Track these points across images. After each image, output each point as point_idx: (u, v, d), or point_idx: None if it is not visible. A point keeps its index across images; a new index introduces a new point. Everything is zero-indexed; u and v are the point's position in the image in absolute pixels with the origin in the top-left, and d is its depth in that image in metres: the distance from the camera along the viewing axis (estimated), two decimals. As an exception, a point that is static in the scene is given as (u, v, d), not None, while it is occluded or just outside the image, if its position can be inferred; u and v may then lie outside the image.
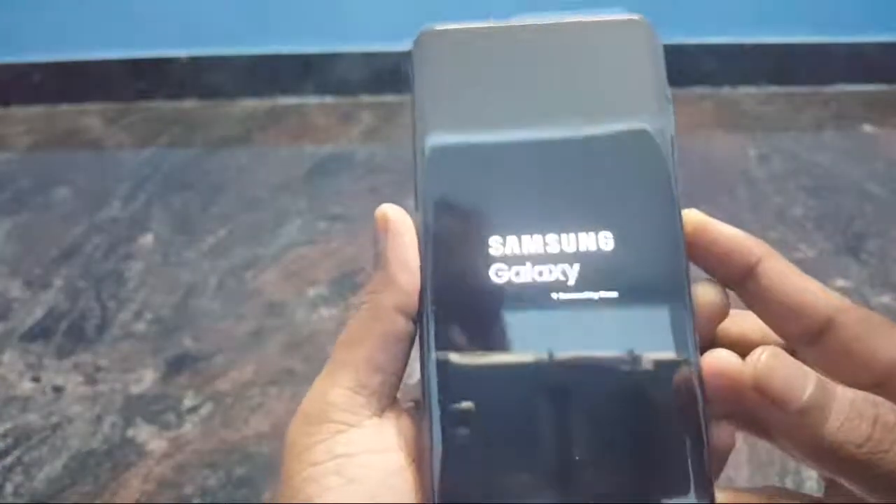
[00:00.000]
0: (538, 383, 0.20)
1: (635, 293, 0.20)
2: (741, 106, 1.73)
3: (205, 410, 0.89)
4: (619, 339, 0.20)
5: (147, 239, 1.23)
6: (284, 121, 1.65)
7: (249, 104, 1.71)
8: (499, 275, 0.20)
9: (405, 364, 0.21)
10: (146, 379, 0.94)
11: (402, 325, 0.20)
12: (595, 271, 0.20)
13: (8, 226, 1.27)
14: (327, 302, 1.07)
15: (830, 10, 1.72)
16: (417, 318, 0.21)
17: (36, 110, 1.70)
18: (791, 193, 1.33)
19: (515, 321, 0.20)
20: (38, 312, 1.06)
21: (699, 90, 1.79)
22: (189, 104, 1.72)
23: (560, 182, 0.21)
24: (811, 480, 0.76)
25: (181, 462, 0.82)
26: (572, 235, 0.21)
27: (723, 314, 0.21)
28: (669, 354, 0.20)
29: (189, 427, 0.86)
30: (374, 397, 0.20)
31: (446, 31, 0.23)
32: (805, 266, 1.05)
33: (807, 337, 0.21)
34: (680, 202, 0.21)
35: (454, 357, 0.20)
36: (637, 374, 0.20)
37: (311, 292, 1.09)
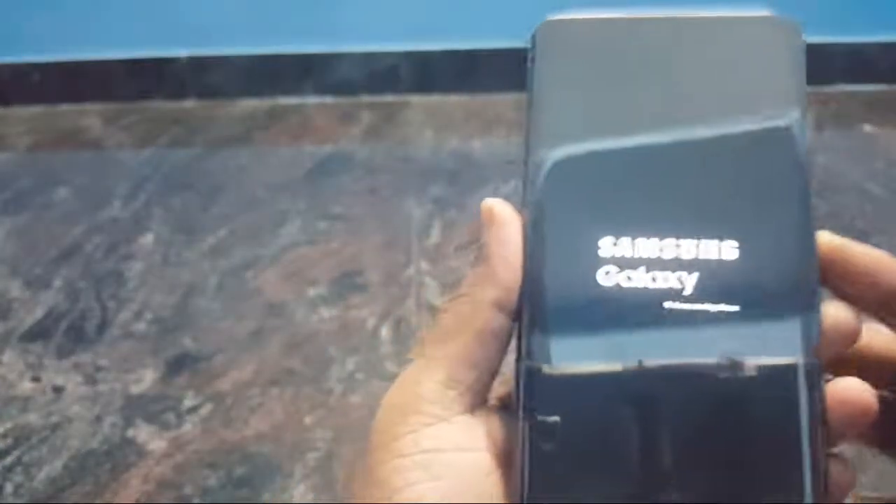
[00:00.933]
0: (640, 394, 0.19)
1: (759, 309, 0.19)
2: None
3: (205, 410, 0.89)
4: (734, 354, 0.18)
5: (147, 239, 1.23)
6: (284, 121, 1.65)
7: (249, 104, 1.71)
8: (607, 277, 0.19)
9: (500, 362, 0.20)
10: (146, 379, 0.94)
11: (501, 321, 0.20)
12: (716, 282, 0.19)
13: (8, 226, 1.27)
14: (327, 302, 1.07)
15: (830, 11, 1.72)
16: (515, 316, 0.20)
17: (36, 110, 1.70)
18: (791, 193, 1.33)
19: (621, 328, 0.19)
20: (39, 312, 1.06)
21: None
22: (189, 104, 1.72)
23: (683, 184, 0.20)
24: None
25: (181, 462, 0.82)
26: (693, 241, 0.19)
27: (854, 338, 0.20)
28: (789, 375, 0.18)
29: (189, 427, 0.86)
30: (466, 394, 0.20)
31: (571, 21, 0.21)
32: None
33: (883, 308, 0.20)
34: (814, 214, 0.20)
35: (549, 362, 0.19)
36: (750, 391, 0.18)
37: (311, 292, 1.09)
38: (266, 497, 0.78)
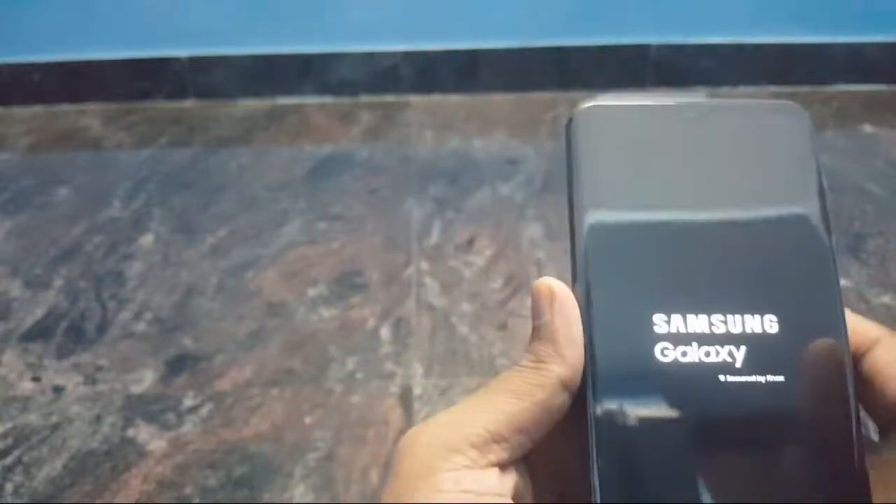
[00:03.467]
0: (705, 471, 0.20)
1: (800, 378, 0.20)
2: (741, 106, 1.74)
3: (205, 410, 0.89)
4: (784, 423, 0.20)
5: (147, 239, 1.23)
6: (284, 121, 1.65)
7: (249, 104, 1.71)
8: (665, 354, 0.20)
9: (547, 433, 0.21)
10: (146, 379, 0.94)
11: (563, 399, 0.21)
12: (761, 354, 0.20)
13: (8, 226, 1.27)
14: (327, 302, 1.07)
15: (830, 11, 1.72)
16: (579, 394, 0.21)
17: (36, 110, 1.70)
18: (791, 193, 1.34)
19: (683, 402, 0.20)
20: (39, 312, 1.06)
21: (698, 90, 1.79)
22: (189, 104, 1.72)
23: (722, 263, 0.21)
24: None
25: (181, 462, 0.82)
26: (738, 317, 0.21)
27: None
28: (832, 441, 0.20)
29: (189, 427, 0.86)
30: (505, 451, 0.20)
31: (608, 106, 0.23)
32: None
33: None
34: (840, 288, 0.21)
35: (618, 438, 0.20)
36: (798, 452, 0.20)
37: (311, 292, 1.09)
38: (266, 497, 0.78)
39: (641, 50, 1.74)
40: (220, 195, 1.35)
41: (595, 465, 0.20)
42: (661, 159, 0.22)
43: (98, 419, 0.88)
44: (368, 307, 1.06)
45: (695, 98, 0.23)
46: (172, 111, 1.69)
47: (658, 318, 0.21)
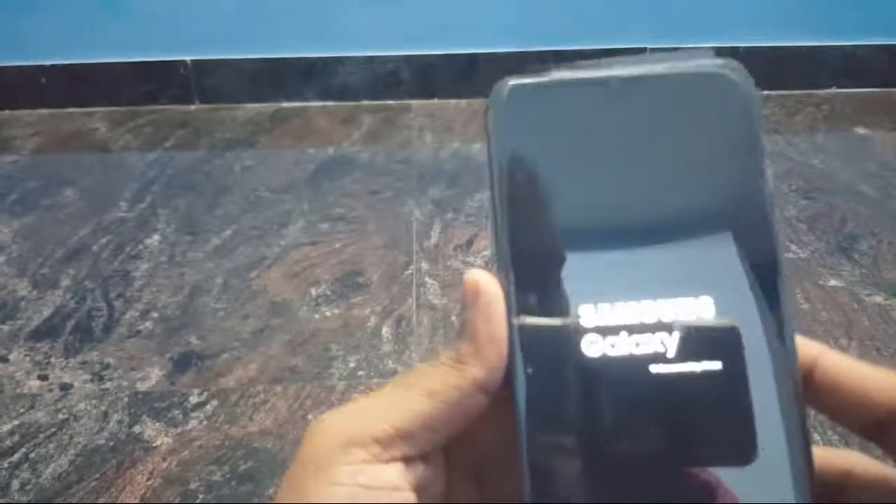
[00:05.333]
0: (636, 464, 0.19)
1: (739, 362, 0.19)
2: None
3: (210, 407, 0.90)
4: (721, 411, 0.19)
5: (153, 239, 1.24)
6: (287, 124, 1.66)
7: (253, 108, 1.72)
8: (592, 346, 0.19)
9: (461, 431, 0.20)
10: (152, 377, 0.94)
11: (479, 400, 0.20)
12: (696, 340, 0.19)
13: (16, 226, 1.28)
14: (330, 301, 1.08)
15: (823, 15, 1.72)
16: (505, 388, 0.20)
17: (43, 113, 1.71)
18: (784, 195, 1.34)
19: (612, 397, 0.19)
20: (46, 311, 1.07)
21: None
22: (194, 108, 1.73)
23: (653, 247, 0.20)
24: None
25: (186, 458, 0.83)
26: (670, 302, 0.19)
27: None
28: (771, 420, 0.19)
29: (194, 424, 0.87)
30: (412, 447, 0.20)
31: (526, 85, 0.21)
32: (798, 266, 1.06)
33: (874, 429, 0.20)
34: (782, 264, 0.20)
35: (547, 437, 0.19)
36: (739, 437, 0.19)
37: (314, 292, 1.10)
38: (270, 492, 0.79)
39: (637, 54, 1.75)
40: (224, 197, 1.36)
41: (525, 465, 0.19)
42: (585, 139, 0.20)
43: (105, 416, 0.88)
44: (370, 306, 1.07)
45: (624, 67, 0.21)
46: (178, 114, 1.69)
47: (584, 309, 0.19)
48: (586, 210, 0.20)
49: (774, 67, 1.76)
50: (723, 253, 0.20)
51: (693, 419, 0.19)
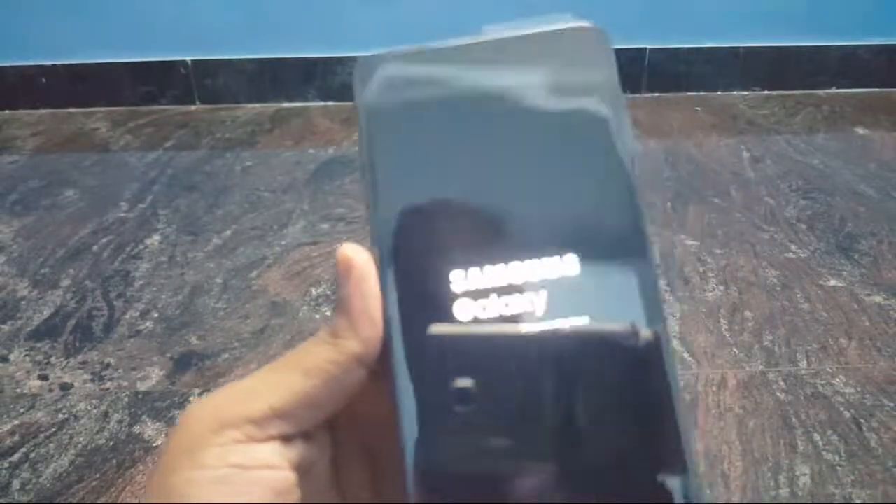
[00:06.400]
0: (521, 423, 0.19)
1: (607, 315, 0.19)
2: (735, 109, 1.75)
3: (210, 407, 0.90)
4: (593, 364, 0.19)
5: (154, 239, 1.24)
6: (288, 124, 1.66)
7: (254, 108, 1.73)
8: (464, 311, 0.20)
9: (342, 407, 0.20)
10: (152, 376, 0.94)
11: (359, 374, 0.20)
12: (564, 297, 0.20)
13: (16, 226, 1.28)
14: (330, 301, 1.08)
15: (823, 15, 1.73)
16: (384, 360, 0.20)
17: (43, 113, 1.71)
18: (784, 195, 1.34)
19: (486, 359, 0.19)
20: (46, 311, 1.07)
21: (693, 94, 1.81)
22: (195, 108, 1.73)
23: (519, 207, 0.20)
24: (804, 477, 0.77)
25: (187, 457, 0.83)
26: (537, 261, 0.20)
27: None
28: (645, 373, 0.19)
29: (194, 423, 0.87)
30: (290, 426, 0.20)
31: (388, 56, 0.21)
32: (798, 266, 1.06)
33: None
34: (644, 214, 0.20)
35: (426, 405, 0.19)
36: (613, 397, 0.19)
37: (314, 292, 1.10)
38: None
39: (637, 54, 1.75)
40: (225, 197, 1.36)
41: (405, 435, 0.19)
42: (449, 108, 0.21)
43: (105, 416, 0.88)
44: (370, 307, 1.07)
45: (483, 35, 0.22)
46: (178, 114, 1.70)
47: (455, 275, 0.20)
48: (453, 177, 0.20)
49: (774, 67, 1.76)
50: (586, 210, 0.20)
51: (569, 375, 0.19)
